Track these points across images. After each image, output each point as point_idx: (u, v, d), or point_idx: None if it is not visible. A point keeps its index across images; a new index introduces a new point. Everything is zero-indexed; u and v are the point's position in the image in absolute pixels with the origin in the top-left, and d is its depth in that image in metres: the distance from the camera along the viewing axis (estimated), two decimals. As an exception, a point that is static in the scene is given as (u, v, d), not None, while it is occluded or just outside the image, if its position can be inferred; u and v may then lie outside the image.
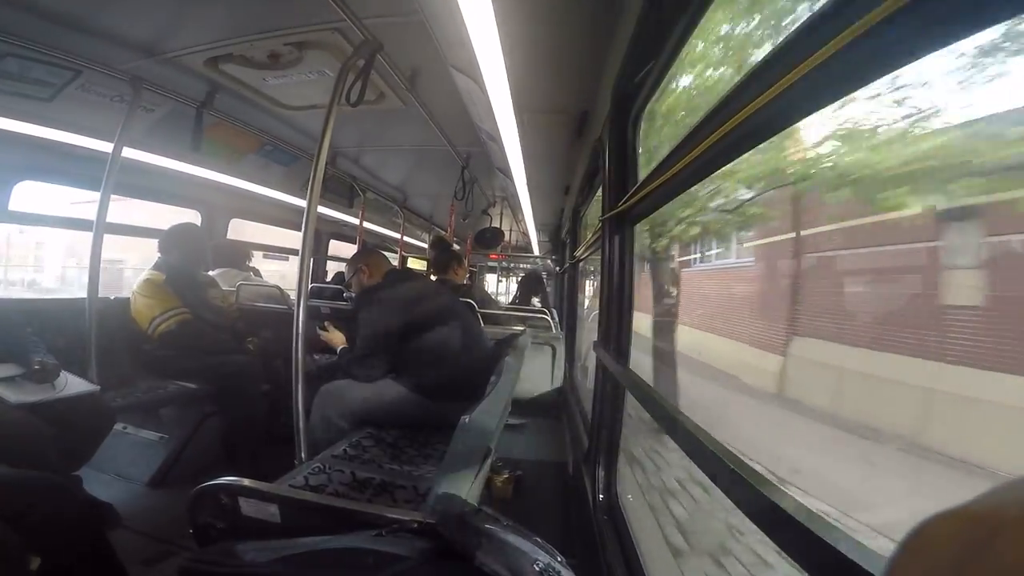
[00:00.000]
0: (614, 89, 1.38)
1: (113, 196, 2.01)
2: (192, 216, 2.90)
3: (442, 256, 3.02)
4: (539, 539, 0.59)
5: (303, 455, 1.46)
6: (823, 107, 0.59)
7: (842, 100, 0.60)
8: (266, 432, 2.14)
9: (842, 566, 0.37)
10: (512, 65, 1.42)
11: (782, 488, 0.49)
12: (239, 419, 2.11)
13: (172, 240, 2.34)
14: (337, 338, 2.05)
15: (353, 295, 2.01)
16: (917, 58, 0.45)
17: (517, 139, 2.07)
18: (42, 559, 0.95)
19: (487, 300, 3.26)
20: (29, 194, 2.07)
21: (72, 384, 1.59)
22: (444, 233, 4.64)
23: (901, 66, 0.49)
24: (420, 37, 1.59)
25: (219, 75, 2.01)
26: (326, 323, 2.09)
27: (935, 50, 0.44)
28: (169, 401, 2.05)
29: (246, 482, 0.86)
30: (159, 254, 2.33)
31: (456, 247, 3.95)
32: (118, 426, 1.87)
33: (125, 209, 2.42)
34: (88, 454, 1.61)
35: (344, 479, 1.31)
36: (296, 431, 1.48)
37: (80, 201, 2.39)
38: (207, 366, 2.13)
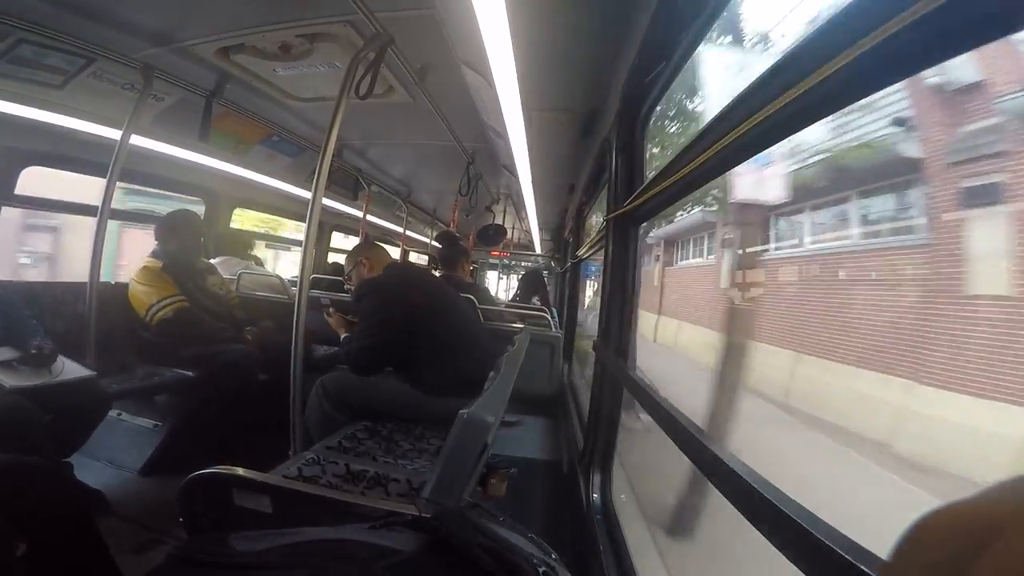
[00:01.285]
0: (624, 89, 1.37)
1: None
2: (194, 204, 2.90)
3: (450, 252, 2.99)
4: (533, 535, 0.59)
5: (297, 446, 1.45)
6: (836, 111, 0.59)
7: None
8: (261, 422, 2.13)
9: (840, 566, 0.37)
10: (522, 62, 1.42)
11: (781, 490, 0.49)
12: (234, 408, 2.10)
13: (169, 227, 2.31)
14: (342, 325, 2.04)
15: (352, 288, 2.01)
16: (931, 64, 0.45)
17: (524, 137, 2.07)
18: (28, 545, 0.94)
19: (487, 298, 3.25)
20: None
21: (69, 369, 1.58)
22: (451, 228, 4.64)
23: (916, 72, 0.49)
24: (431, 32, 1.59)
25: (230, 65, 2.01)
26: (331, 309, 2.09)
27: (948, 58, 0.44)
28: (165, 388, 2.04)
29: (239, 471, 0.85)
30: (156, 241, 2.32)
31: (463, 243, 3.94)
32: (112, 413, 1.87)
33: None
34: (81, 440, 1.60)
35: (338, 471, 1.30)
36: (291, 422, 1.47)
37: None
38: (204, 354, 2.12)
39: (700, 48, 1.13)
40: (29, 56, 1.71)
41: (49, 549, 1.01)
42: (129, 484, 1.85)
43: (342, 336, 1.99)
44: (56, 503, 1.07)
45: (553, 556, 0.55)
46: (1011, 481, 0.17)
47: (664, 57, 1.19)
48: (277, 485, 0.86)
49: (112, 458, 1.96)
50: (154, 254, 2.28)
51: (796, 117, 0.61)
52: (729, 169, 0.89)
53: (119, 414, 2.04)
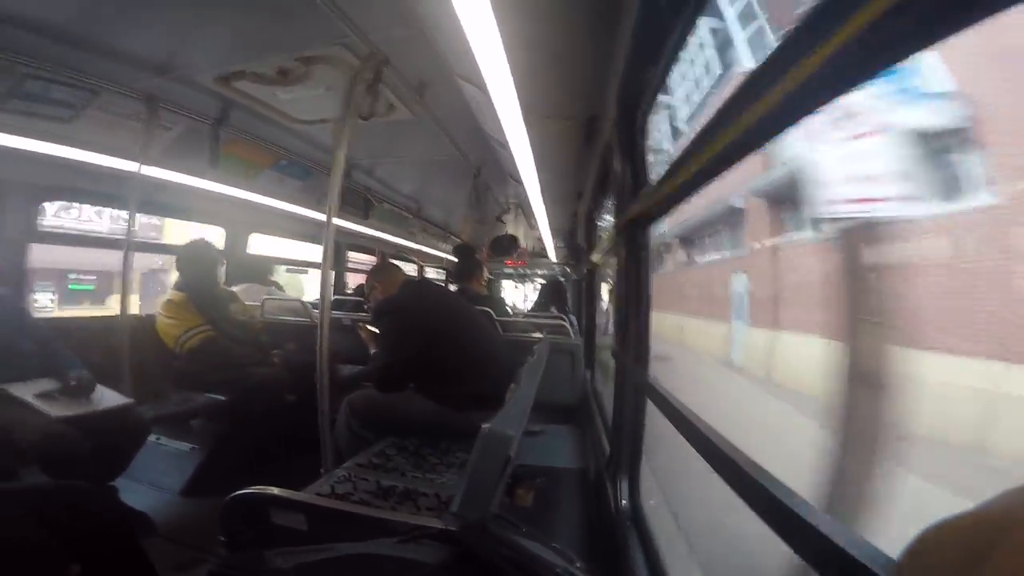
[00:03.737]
0: (619, 92, 1.37)
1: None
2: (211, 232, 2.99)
3: (466, 265, 2.99)
4: (558, 546, 0.59)
5: (328, 464, 1.49)
6: (842, 95, 0.58)
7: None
8: (293, 441, 2.18)
9: (852, 568, 0.37)
10: (517, 72, 1.43)
11: (799, 495, 0.49)
12: (266, 429, 2.16)
13: (187, 258, 2.38)
14: (373, 340, 2.07)
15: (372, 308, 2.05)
16: (935, 43, 0.45)
17: (527, 146, 2.08)
18: (81, 567, 0.99)
19: (503, 309, 3.23)
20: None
21: (107, 398, 1.66)
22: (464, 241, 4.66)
23: (920, 50, 0.48)
24: (425, 49, 1.61)
25: (231, 91, 2.05)
26: (361, 323, 2.13)
27: (948, 37, 0.43)
28: (199, 413, 2.11)
29: (275, 491, 0.88)
30: (177, 273, 2.39)
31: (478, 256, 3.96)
32: (152, 438, 1.94)
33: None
34: (123, 465, 1.67)
35: (369, 487, 1.32)
36: (322, 441, 1.50)
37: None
38: (233, 379, 2.18)
39: (688, 46, 1.13)
40: (37, 91, 1.77)
41: (100, 570, 1.06)
42: (171, 505, 1.91)
43: (372, 353, 2.02)
44: (105, 526, 1.12)
45: (577, 564, 0.55)
46: (1015, 489, 0.18)
47: (653, 59, 1.19)
48: (311, 503, 0.88)
49: (154, 481, 2.03)
50: (177, 286, 2.36)
51: (803, 102, 0.59)
52: (735, 163, 0.88)
53: (158, 439, 2.12)
